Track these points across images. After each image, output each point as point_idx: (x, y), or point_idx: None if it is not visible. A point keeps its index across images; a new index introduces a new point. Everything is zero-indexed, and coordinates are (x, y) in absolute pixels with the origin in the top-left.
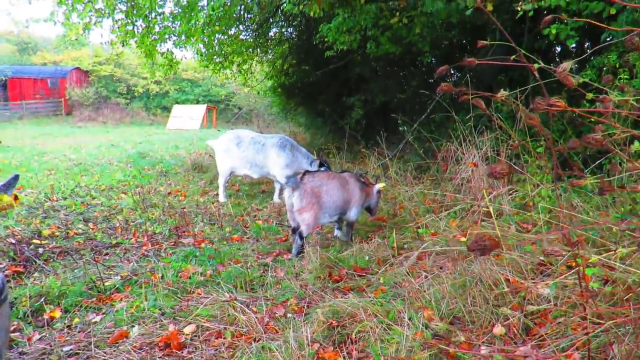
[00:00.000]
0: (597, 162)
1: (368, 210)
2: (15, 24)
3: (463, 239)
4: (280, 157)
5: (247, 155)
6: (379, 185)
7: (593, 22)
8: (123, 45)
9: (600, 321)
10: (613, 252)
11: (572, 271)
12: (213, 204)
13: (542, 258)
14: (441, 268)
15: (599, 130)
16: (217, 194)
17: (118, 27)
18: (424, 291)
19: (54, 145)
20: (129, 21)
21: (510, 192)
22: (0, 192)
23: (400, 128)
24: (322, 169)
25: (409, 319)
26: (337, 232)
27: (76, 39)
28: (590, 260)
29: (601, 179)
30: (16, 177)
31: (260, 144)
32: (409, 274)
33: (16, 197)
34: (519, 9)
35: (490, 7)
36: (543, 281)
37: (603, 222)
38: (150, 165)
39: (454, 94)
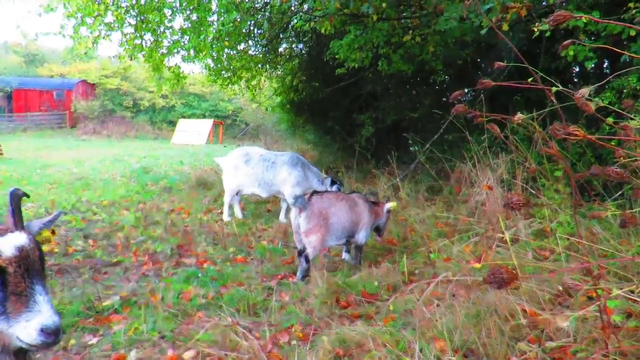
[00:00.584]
0: (618, 191)
1: (376, 231)
2: (24, 37)
3: (477, 265)
4: (291, 175)
5: (256, 173)
6: (389, 205)
7: (610, 47)
8: (131, 59)
9: None
10: (636, 284)
11: (594, 305)
12: (217, 222)
13: (560, 288)
14: (454, 296)
15: (619, 157)
16: (222, 212)
17: (127, 41)
18: (436, 321)
19: (57, 158)
20: (138, 35)
21: (527, 217)
22: (44, 227)
23: (411, 148)
24: (335, 187)
25: (420, 350)
26: (345, 256)
27: (85, 53)
28: (612, 293)
29: (623, 211)
30: (60, 214)
31: (270, 161)
32: (419, 301)
33: (53, 232)
34: (535, 29)
35: (505, 27)
36: (562, 313)
37: (625, 252)
38: (154, 180)
39: (468, 116)
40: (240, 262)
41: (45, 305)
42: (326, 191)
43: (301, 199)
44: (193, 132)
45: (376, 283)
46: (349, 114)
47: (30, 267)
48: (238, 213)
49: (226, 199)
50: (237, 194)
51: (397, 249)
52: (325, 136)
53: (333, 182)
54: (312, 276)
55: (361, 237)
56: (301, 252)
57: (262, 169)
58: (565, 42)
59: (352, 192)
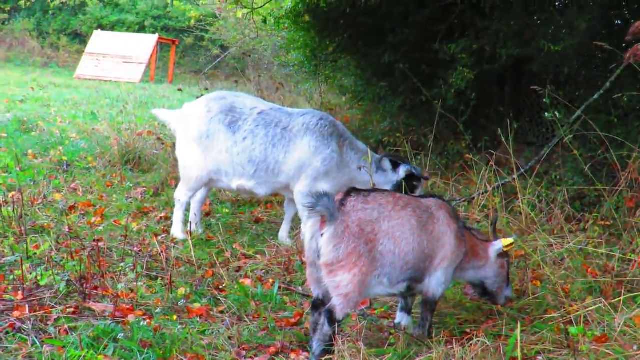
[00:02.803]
0: None
1: (484, 292)
2: None
3: None
4: (318, 155)
5: (250, 148)
6: (503, 243)
7: None
8: None
9: None
10: None
11: None
12: (157, 236)
13: None
14: None
15: None
16: (168, 218)
17: None
18: None
19: None
20: None
21: None
22: None
23: (547, 114)
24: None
25: None
26: (401, 318)
27: None
28: None
29: None
30: None
31: (279, 125)
32: None
33: None
34: None
35: None
36: None
37: None
38: (40, 148)
39: None
40: (197, 315)
41: None
42: (375, 190)
43: (326, 199)
44: (118, 57)
45: None
46: (426, 40)
47: None
48: (195, 224)
49: (180, 198)
50: (206, 186)
51: (504, 313)
52: (378, 81)
53: (410, 177)
54: (338, 353)
55: (434, 283)
56: (318, 305)
57: (264, 141)
58: None
59: (426, 195)
